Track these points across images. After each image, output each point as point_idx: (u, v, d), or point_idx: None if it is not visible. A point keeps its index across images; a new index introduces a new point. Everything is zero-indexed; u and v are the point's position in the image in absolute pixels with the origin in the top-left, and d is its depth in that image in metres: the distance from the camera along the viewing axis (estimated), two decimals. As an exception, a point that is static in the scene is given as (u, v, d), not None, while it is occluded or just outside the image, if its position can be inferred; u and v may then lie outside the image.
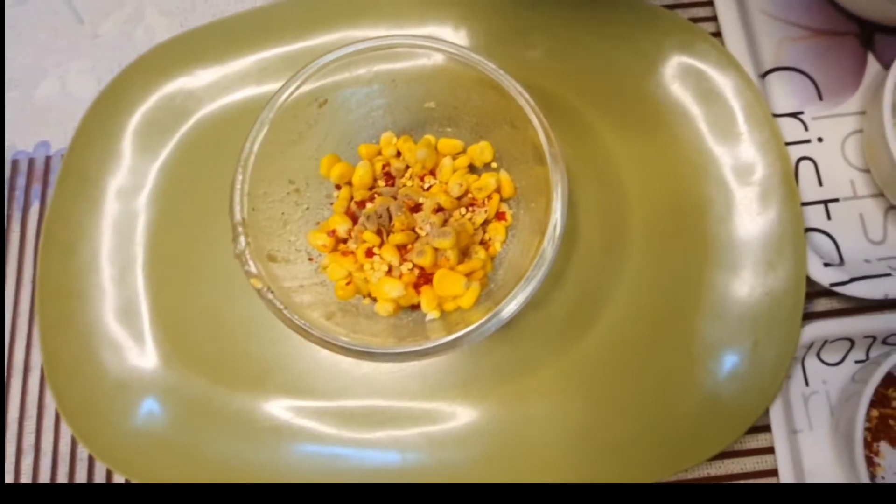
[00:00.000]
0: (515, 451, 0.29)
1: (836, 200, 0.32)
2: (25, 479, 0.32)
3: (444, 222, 0.28)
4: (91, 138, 0.33)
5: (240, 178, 0.25)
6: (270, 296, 0.24)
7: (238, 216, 0.25)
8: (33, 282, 0.34)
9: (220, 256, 0.32)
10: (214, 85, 0.34)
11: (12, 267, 0.34)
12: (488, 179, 0.30)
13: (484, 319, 0.24)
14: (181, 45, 0.34)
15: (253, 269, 0.25)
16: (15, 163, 0.36)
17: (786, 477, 0.29)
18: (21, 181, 0.36)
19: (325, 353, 0.30)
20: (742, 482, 0.30)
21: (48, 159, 0.36)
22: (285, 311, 0.24)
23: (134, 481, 0.30)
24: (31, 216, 0.35)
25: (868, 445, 0.29)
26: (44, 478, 0.31)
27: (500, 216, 0.30)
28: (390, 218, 0.28)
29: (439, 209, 0.29)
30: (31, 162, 0.36)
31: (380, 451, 0.29)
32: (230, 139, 0.31)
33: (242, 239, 0.25)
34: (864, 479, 0.26)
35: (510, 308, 0.24)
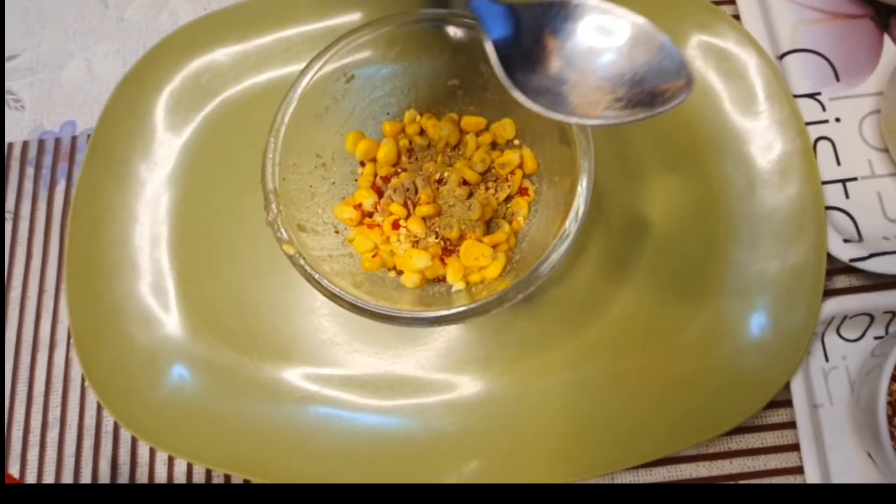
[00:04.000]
0: (535, 421, 0.29)
1: (854, 179, 0.32)
2: (51, 451, 0.32)
3: (469, 196, 0.29)
4: (118, 116, 0.34)
5: (271, 147, 0.26)
6: (302, 262, 0.25)
7: (270, 185, 0.26)
8: (59, 258, 0.34)
9: (244, 233, 0.32)
10: (239, 65, 0.34)
11: (38, 244, 0.35)
12: (511, 156, 0.30)
13: (510, 286, 0.24)
14: (206, 26, 0.34)
15: (284, 235, 0.25)
16: (41, 142, 0.36)
17: (807, 451, 0.29)
18: (48, 160, 0.36)
19: (348, 325, 0.31)
20: (762, 456, 0.30)
21: (74, 139, 0.36)
22: (316, 277, 0.24)
23: (160, 450, 0.30)
24: (57, 194, 0.36)
25: (889, 420, 0.30)
26: (69, 451, 0.32)
27: (523, 191, 0.30)
28: (416, 191, 0.28)
29: (464, 183, 0.29)
30: (57, 141, 0.36)
31: (402, 418, 0.29)
32: (254, 119, 0.32)
33: (274, 206, 0.25)
34: (889, 451, 0.27)
35: (536, 276, 0.25)
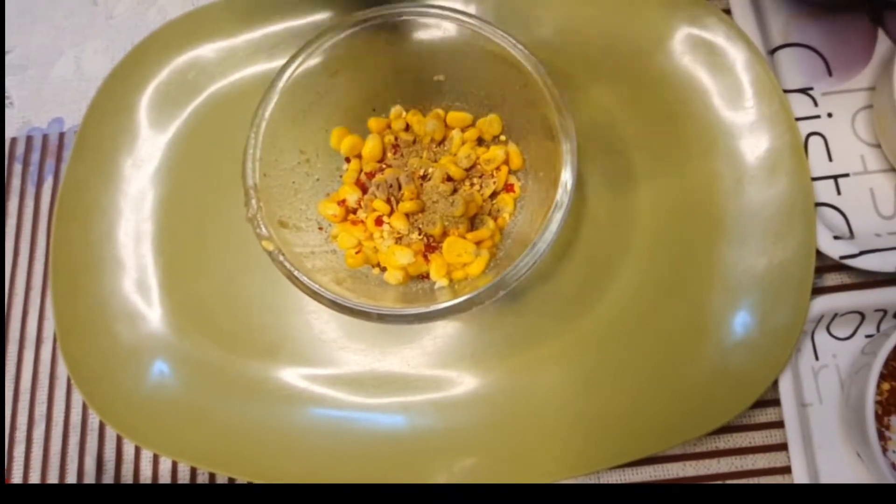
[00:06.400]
0: (521, 418, 0.29)
1: (846, 175, 0.32)
2: (37, 448, 0.32)
3: (454, 192, 0.29)
4: (105, 112, 0.34)
5: (252, 142, 0.26)
6: (282, 258, 0.24)
7: (250, 180, 0.25)
8: (46, 255, 0.34)
9: (231, 229, 0.32)
10: (225, 60, 0.34)
11: (25, 241, 0.35)
12: (497, 151, 0.30)
13: (493, 282, 0.24)
14: (193, 22, 0.34)
15: (264, 231, 0.25)
16: (29, 139, 0.36)
17: (795, 450, 0.29)
18: (35, 157, 0.36)
19: (335, 323, 0.31)
20: (750, 455, 0.30)
21: (62, 135, 0.36)
22: (296, 273, 0.24)
23: (144, 448, 0.30)
24: (44, 191, 0.35)
25: (879, 419, 0.29)
26: (55, 448, 0.32)
27: (508, 188, 0.30)
28: (400, 187, 0.28)
29: (448, 179, 0.29)
30: (45, 138, 0.36)
31: (388, 415, 0.29)
32: (241, 114, 0.32)
33: (254, 202, 0.25)
34: (877, 451, 0.26)
35: (518, 273, 0.24)
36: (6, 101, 0.37)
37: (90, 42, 0.38)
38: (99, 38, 0.38)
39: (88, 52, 0.38)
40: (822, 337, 0.31)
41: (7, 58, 0.38)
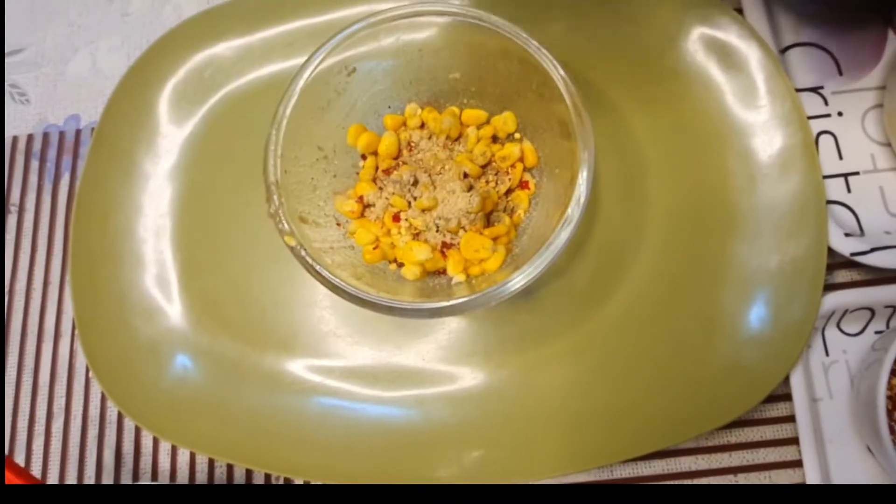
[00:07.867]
0: (534, 412, 0.29)
1: (856, 174, 0.32)
2: (56, 441, 0.32)
3: (470, 189, 0.29)
4: (122, 110, 0.34)
5: (273, 139, 0.26)
6: (304, 253, 0.25)
7: (272, 177, 0.26)
8: (64, 250, 0.35)
9: (247, 225, 0.33)
10: (241, 59, 0.34)
11: (43, 236, 0.35)
12: (512, 149, 0.30)
13: (510, 277, 0.24)
14: (210, 20, 0.35)
15: (286, 227, 0.25)
16: (46, 135, 0.37)
17: (806, 445, 0.29)
18: (52, 153, 0.36)
19: (350, 318, 0.31)
20: (762, 450, 0.30)
21: (78, 132, 0.37)
22: (318, 268, 0.25)
23: (163, 440, 0.30)
24: (61, 187, 0.36)
25: (889, 414, 0.30)
26: (74, 440, 0.32)
27: (523, 185, 0.30)
28: (416, 183, 0.28)
29: (465, 176, 0.29)
30: (61, 135, 0.37)
31: (403, 408, 0.29)
32: (256, 112, 0.32)
33: (276, 198, 0.26)
34: (888, 445, 0.27)
35: (535, 268, 0.25)
36: (22, 99, 0.38)
37: (105, 39, 0.38)
38: (114, 35, 0.38)
39: (103, 50, 0.38)
40: (832, 333, 0.31)
41: (22, 55, 0.38)
